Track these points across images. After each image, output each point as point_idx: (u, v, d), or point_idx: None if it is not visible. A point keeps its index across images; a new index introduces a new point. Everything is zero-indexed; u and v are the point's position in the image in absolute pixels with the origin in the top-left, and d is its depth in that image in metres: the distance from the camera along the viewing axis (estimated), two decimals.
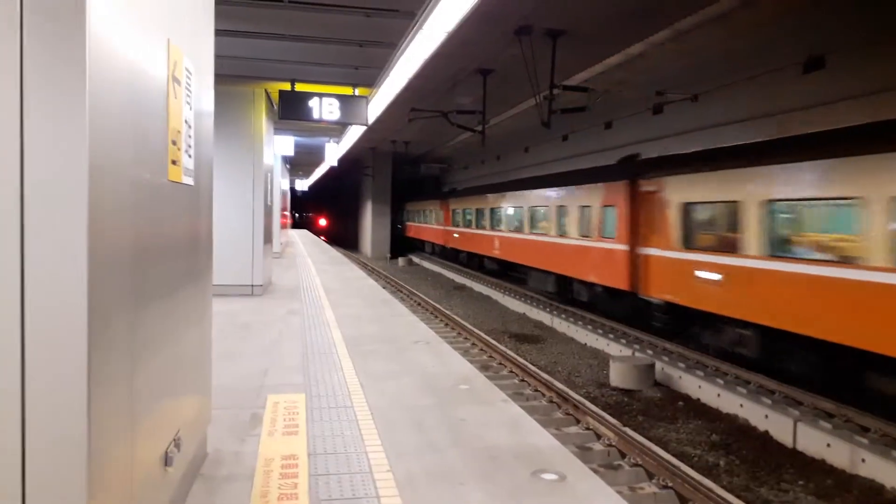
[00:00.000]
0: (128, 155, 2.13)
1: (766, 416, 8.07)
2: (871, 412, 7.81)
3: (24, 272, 1.76)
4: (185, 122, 2.85)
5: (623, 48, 10.86)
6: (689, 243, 10.80)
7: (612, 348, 12.23)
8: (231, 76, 9.83)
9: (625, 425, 7.69)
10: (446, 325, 14.79)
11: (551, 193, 16.65)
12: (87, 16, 1.74)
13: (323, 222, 64.91)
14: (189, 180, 2.94)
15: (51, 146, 1.75)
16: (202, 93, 3.26)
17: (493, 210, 21.81)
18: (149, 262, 2.38)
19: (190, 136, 2.94)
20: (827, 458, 7.17)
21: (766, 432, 8.01)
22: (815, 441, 7.35)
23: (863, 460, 6.77)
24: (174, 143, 2.65)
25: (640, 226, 12.27)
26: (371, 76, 9.92)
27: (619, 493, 3.71)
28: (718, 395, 9.02)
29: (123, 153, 2.09)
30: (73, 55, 1.74)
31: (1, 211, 1.74)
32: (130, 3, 2.12)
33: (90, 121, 1.77)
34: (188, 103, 2.90)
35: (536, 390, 9.38)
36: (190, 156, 2.94)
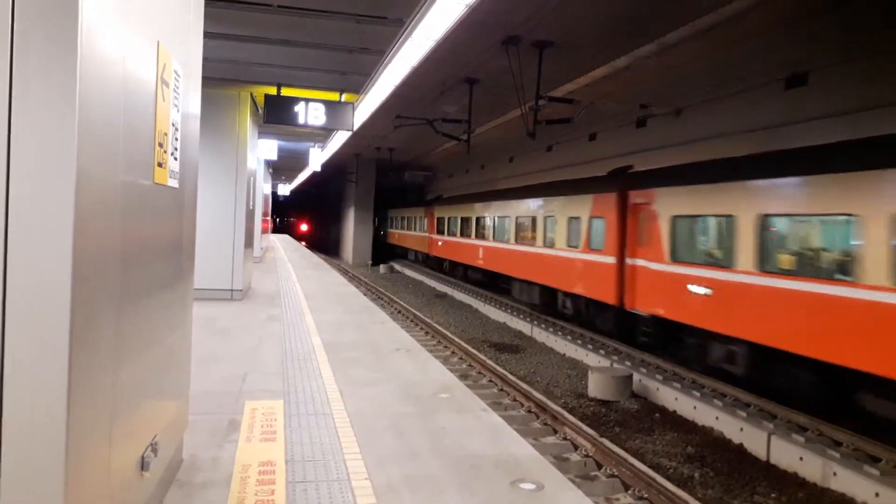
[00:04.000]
0: (115, 156, 2.12)
1: (741, 429, 8.17)
2: (843, 426, 7.94)
3: (7, 272, 1.73)
4: (173, 124, 2.84)
5: (609, 61, 10.98)
6: (442, 234, 25.64)
7: (591, 359, 12.30)
8: (217, 79, 9.77)
9: (602, 436, 7.73)
10: (427, 333, 14.77)
11: (411, 211, 33.10)
12: (79, 17, 1.74)
13: (304, 227, 64.59)
14: (174, 183, 2.93)
15: (38, 147, 1.73)
16: (189, 95, 3.25)
17: (401, 218, 36.40)
18: (132, 264, 2.36)
19: (176, 139, 2.93)
20: (799, 471, 7.27)
21: (741, 445, 8.10)
22: (789, 454, 7.45)
23: (834, 474, 6.87)
24: (161, 145, 2.64)
25: (430, 226, 27.97)
26: (358, 82, 9.93)
27: (596, 503, 3.73)
28: (695, 407, 9.12)
29: (111, 154, 2.08)
30: (64, 56, 1.73)
31: None
32: (122, 3, 2.12)
33: (79, 121, 1.76)
34: (176, 106, 2.89)
35: (515, 400, 9.39)
36: (176, 158, 2.93)
